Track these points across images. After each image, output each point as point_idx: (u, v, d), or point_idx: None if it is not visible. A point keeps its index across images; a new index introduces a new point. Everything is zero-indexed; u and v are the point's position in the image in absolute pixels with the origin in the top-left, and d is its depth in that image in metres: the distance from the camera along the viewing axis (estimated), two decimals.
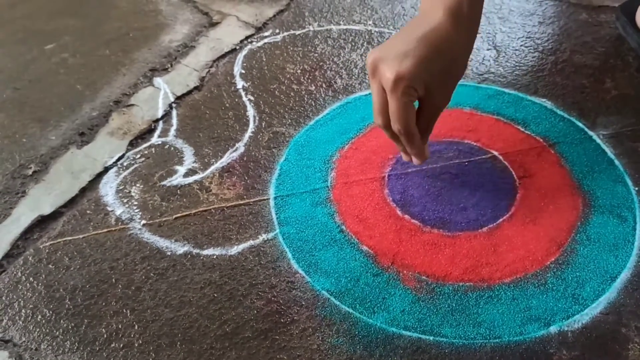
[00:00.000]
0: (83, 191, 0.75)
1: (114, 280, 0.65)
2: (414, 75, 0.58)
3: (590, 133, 0.78)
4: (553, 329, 0.59)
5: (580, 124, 0.80)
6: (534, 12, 1.01)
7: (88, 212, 0.72)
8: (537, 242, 0.66)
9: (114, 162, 0.78)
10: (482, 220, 0.69)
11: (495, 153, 0.76)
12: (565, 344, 0.57)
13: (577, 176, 0.73)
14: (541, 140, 0.78)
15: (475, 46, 0.92)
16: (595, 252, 0.65)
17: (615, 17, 0.97)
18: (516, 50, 0.93)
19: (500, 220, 0.69)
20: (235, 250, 0.67)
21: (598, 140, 0.77)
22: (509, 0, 1.04)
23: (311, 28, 1.00)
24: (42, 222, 0.71)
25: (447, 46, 0.59)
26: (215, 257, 0.67)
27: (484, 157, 0.76)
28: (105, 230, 0.70)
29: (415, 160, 0.68)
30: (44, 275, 0.66)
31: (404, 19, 1.01)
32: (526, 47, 0.94)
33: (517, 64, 0.90)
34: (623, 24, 0.94)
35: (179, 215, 0.71)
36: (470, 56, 0.90)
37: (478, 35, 0.95)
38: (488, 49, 0.93)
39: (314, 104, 0.85)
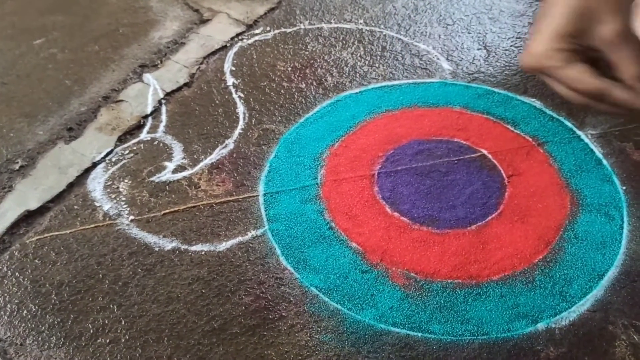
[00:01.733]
0: (70, 186, 0.74)
1: (101, 275, 0.64)
2: (547, 39, 0.50)
3: (579, 132, 0.79)
4: (540, 326, 0.59)
5: (569, 124, 0.80)
6: (524, 13, 1.02)
7: (75, 207, 0.71)
8: (525, 240, 0.66)
9: (102, 158, 0.77)
10: (471, 218, 0.69)
11: (485, 152, 0.76)
12: (553, 341, 0.57)
13: (566, 175, 0.73)
14: (530, 139, 0.78)
15: (465, 46, 0.94)
16: (582, 250, 0.65)
17: None
18: (506, 50, 0.93)
19: (489, 218, 0.69)
20: (223, 246, 0.67)
21: (586, 140, 0.78)
22: (500, 1, 1.05)
23: (302, 26, 1.00)
24: (28, 217, 0.70)
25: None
26: (203, 253, 0.66)
27: (473, 155, 0.76)
28: (92, 225, 0.69)
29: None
30: (30, 270, 0.65)
31: (394, 18, 1.01)
32: (516, 47, 0.94)
33: (507, 64, 0.91)
34: None
35: (167, 211, 0.71)
36: (461, 55, 0.91)
37: (469, 35, 0.95)
38: (478, 49, 0.93)
39: (304, 102, 0.85)
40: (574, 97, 0.52)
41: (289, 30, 0.99)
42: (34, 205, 0.71)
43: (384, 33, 0.98)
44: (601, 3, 0.51)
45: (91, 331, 0.60)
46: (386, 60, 0.92)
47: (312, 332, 0.59)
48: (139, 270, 0.65)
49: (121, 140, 0.80)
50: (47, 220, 0.70)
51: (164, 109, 0.85)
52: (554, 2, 0.51)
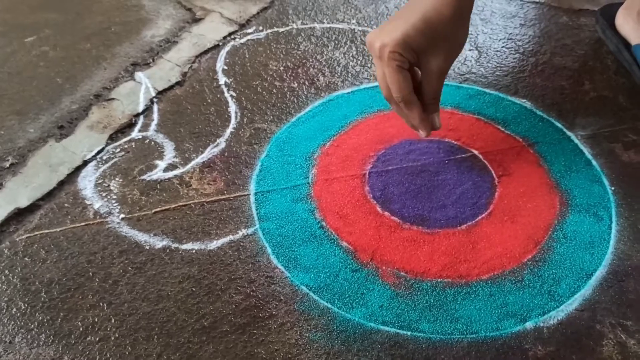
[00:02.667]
0: (61, 184, 0.74)
1: (91, 273, 0.64)
2: (397, 41, 0.61)
3: (569, 133, 0.79)
4: (529, 324, 0.59)
5: (559, 125, 0.81)
6: (515, 15, 1.02)
7: (66, 205, 0.71)
8: (514, 240, 0.67)
9: (93, 156, 0.77)
10: (461, 217, 0.69)
11: (475, 152, 0.77)
12: (541, 340, 0.58)
13: (555, 175, 0.74)
14: (520, 140, 0.78)
15: None
16: (571, 250, 0.66)
17: (595, 20, 0.99)
18: (497, 51, 0.94)
19: (479, 217, 0.69)
20: (214, 245, 0.67)
21: (576, 141, 0.78)
22: (491, 2, 1.05)
23: (295, 26, 1.00)
24: (18, 215, 0.70)
25: (433, 13, 0.61)
26: (194, 251, 0.66)
27: (464, 155, 0.76)
28: (83, 223, 0.69)
29: (421, 133, 0.69)
30: (19, 268, 0.65)
31: (387, 19, 1.01)
32: (507, 48, 0.95)
33: (498, 65, 0.91)
34: (602, 27, 0.95)
35: (158, 209, 0.71)
36: None
37: None
38: (470, 50, 0.94)
39: (296, 101, 0.85)
40: (385, 91, 0.66)
41: (281, 29, 1.00)
42: (24, 203, 0.71)
43: None
44: (446, 37, 0.64)
45: (81, 329, 0.59)
46: None
47: (302, 330, 0.59)
48: (129, 268, 0.65)
49: (112, 138, 0.80)
50: (37, 218, 0.70)
51: (155, 107, 0.85)
52: (415, 5, 0.63)
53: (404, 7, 0.64)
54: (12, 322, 0.60)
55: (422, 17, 0.61)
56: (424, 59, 0.64)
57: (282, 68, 0.91)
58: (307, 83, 0.88)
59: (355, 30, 0.99)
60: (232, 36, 0.98)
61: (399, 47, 0.61)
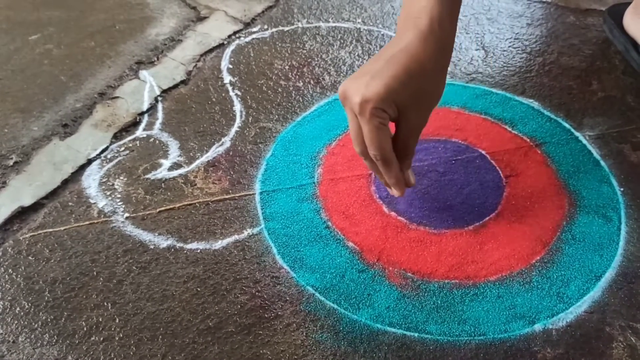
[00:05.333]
0: (65, 183, 0.73)
1: (95, 273, 0.64)
2: (380, 96, 0.56)
3: (577, 134, 0.79)
4: (537, 327, 0.58)
5: (566, 125, 0.80)
6: (522, 14, 1.02)
7: (70, 204, 0.71)
8: (522, 241, 0.66)
9: (97, 155, 0.77)
10: (469, 218, 0.69)
11: (483, 152, 0.76)
12: (550, 342, 0.57)
13: (563, 176, 0.73)
14: (528, 140, 0.78)
15: (464, 46, 0.93)
16: (580, 251, 0.65)
17: (602, 20, 0.98)
18: (504, 51, 0.93)
19: (487, 218, 0.69)
20: (219, 244, 0.67)
21: (584, 141, 0.78)
22: (498, 2, 1.04)
23: (300, 25, 1.00)
24: (22, 214, 0.70)
25: (416, 66, 0.57)
26: (199, 251, 0.66)
27: (471, 155, 0.76)
28: (87, 222, 0.69)
29: (394, 192, 0.65)
30: (23, 267, 0.64)
31: (392, 18, 1.01)
32: (514, 48, 0.94)
33: (505, 64, 0.90)
34: (610, 27, 0.95)
35: (162, 208, 0.70)
36: (459, 56, 0.91)
37: (467, 35, 0.95)
38: (476, 49, 0.93)
39: (301, 100, 0.84)
40: (360, 147, 0.62)
41: (286, 28, 0.99)
42: (27, 201, 0.71)
43: (382, 32, 0.97)
44: (428, 92, 0.60)
45: (85, 329, 0.59)
46: None
47: (308, 331, 0.58)
48: (134, 268, 0.64)
49: (117, 137, 0.80)
50: (41, 217, 0.69)
51: (160, 106, 0.84)
52: (394, 57, 0.57)
53: (379, 57, 0.59)
54: (16, 322, 0.60)
55: (404, 70, 0.56)
56: (405, 115, 0.59)
57: (287, 67, 0.90)
58: (312, 82, 0.87)
59: (361, 30, 0.98)
60: (237, 35, 0.98)
61: (382, 103, 0.56)
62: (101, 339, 0.58)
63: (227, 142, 0.78)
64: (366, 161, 0.64)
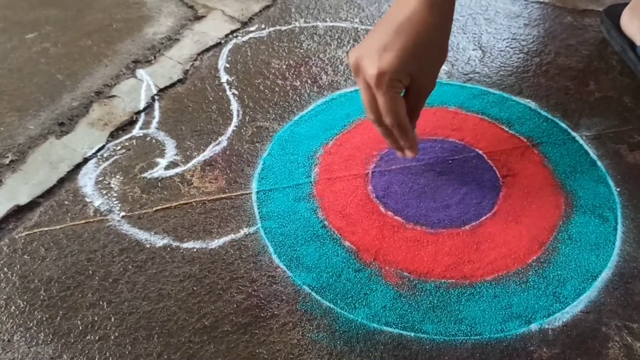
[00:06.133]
0: (61, 182, 0.73)
1: (90, 272, 0.64)
2: (396, 68, 0.58)
3: (574, 134, 0.79)
4: (534, 326, 0.58)
5: (563, 125, 0.80)
6: (519, 14, 1.02)
7: (66, 202, 0.71)
8: (519, 241, 0.66)
9: (93, 153, 0.77)
10: (465, 218, 0.69)
11: (479, 152, 0.76)
12: (546, 342, 0.57)
13: (560, 176, 0.73)
14: (525, 140, 0.78)
15: (461, 46, 0.93)
16: (576, 251, 0.65)
17: (599, 20, 0.98)
18: (501, 51, 0.93)
19: (483, 218, 0.68)
20: (216, 243, 0.66)
21: (581, 141, 0.78)
22: (495, 2, 1.04)
23: (297, 24, 1.00)
24: (18, 212, 0.70)
25: (424, 33, 0.59)
26: (195, 250, 0.66)
27: (468, 155, 0.76)
28: (83, 221, 0.69)
29: (408, 154, 0.68)
30: (18, 266, 0.64)
31: None
32: (511, 48, 0.94)
33: (502, 64, 0.90)
34: (607, 28, 0.95)
35: (159, 207, 0.70)
36: (456, 56, 0.91)
37: (464, 36, 0.95)
38: (474, 50, 0.93)
39: (298, 100, 0.84)
40: (375, 116, 0.63)
41: (284, 28, 0.99)
42: (23, 200, 0.71)
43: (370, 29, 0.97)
44: (436, 58, 0.62)
45: (80, 328, 0.59)
46: None
47: (304, 330, 0.58)
48: (130, 266, 0.64)
49: (113, 135, 0.79)
50: (36, 216, 0.69)
51: (157, 105, 0.84)
52: (402, 26, 0.59)
53: (386, 26, 0.60)
54: (11, 321, 0.59)
55: (414, 41, 0.58)
56: (416, 82, 0.62)
57: (284, 66, 0.90)
58: (309, 81, 0.87)
59: (358, 29, 0.98)
60: (234, 34, 0.98)
61: (397, 74, 0.59)
62: (97, 337, 0.58)
63: (224, 141, 0.78)
64: (379, 128, 0.66)
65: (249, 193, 0.72)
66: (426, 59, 0.61)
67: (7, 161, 0.75)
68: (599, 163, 0.75)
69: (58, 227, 0.68)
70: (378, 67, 0.58)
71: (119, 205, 0.70)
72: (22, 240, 0.67)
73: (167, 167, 0.75)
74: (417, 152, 0.68)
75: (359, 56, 0.60)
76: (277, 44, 0.95)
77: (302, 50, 0.93)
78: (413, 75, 0.61)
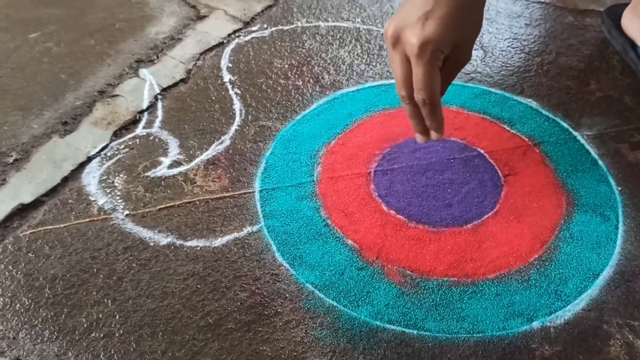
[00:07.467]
0: (65, 180, 0.73)
1: (95, 270, 0.64)
2: (440, 37, 0.56)
3: (575, 133, 0.79)
4: (536, 324, 0.59)
5: (565, 124, 0.80)
6: (520, 14, 1.02)
7: (70, 201, 0.71)
8: (521, 239, 0.66)
9: (97, 152, 0.77)
10: (467, 216, 0.69)
11: (481, 151, 0.76)
12: (548, 340, 0.58)
13: (562, 175, 0.73)
14: (526, 139, 0.78)
15: None
16: (578, 249, 0.66)
17: (600, 20, 0.98)
18: (503, 51, 0.94)
19: (485, 217, 0.69)
20: (219, 242, 0.67)
21: (582, 141, 0.78)
22: (496, 2, 1.05)
23: (299, 24, 1.00)
24: (22, 211, 0.70)
25: (464, 1, 0.56)
26: (199, 248, 0.66)
27: (469, 154, 0.76)
28: (87, 219, 0.69)
29: (434, 135, 0.65)
30: (23, 264, 0.65)
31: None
32: (513, 48, 0.94)
33: (503, 64, 0.91)
34: (608, 28, 0.95)
35: (162, 206, 0.71)
36: None
37: None
38: (475, 49, 0.93)
39: (301, 99, 0.85)
40: (407, 90, 0.61)
41: (286, 27, 0.99)
42: (27, 198, 0.71)
43: (381, 32, 0.98)
44: (473, 28, 0.60)
45: (85, 325, 0.59)
46: (383, 59, 0.92)
47: (307, 328, 0.59)
48: (134, 265, 0.64)
49: (116, 135, 0.80)
50: (41, 214, 0.70)
51: (160, 104, 0.84)
52: None
53: None
54: (16, 318, 0.60)
55: (456, 8, 0.56)
56: (455, 52, 0.59)
57: (286, 66, 0.91)
58: (312, 81, 0.88)
59: (360, 29, 0.99)
60: (237, 34, 0.98)
61: (441, 44, 0.56)
62: (101, 335, 0.58)
63: (226, 140, 0.79)
64: (408, 106, 0.63)
65: (252, 192, 0.72)
66: (468, 27, 0.58)
67: (11, 160, 0.76)
68: (600, 162, 0.75)
69: (62, 225, 0.68)
70: (422, 36, 0.55)
71: (123, 203, 0.71)
72: (27, 239, 0.67)
73: (170, 166, 0.75)
74: (444, 134, 0.65)
75: (398, 26, 0.57)
76: (279, 43, 0.95)
77: (304, 50, 0.94)
78: (455, 44, 0.58)
